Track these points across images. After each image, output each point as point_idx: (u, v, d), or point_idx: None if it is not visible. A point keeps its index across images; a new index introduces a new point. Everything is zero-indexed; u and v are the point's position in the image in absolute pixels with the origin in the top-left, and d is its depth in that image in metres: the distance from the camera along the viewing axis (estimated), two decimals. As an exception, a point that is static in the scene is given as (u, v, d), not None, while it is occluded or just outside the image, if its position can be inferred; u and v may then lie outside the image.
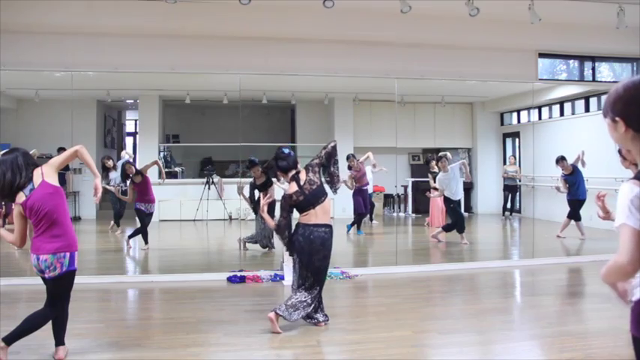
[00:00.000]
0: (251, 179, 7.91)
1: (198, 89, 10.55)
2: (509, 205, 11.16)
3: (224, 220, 10.52)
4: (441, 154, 9.01)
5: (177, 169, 11.95)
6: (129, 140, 13.70)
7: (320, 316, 4.63)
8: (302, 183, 4.53)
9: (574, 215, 8.93)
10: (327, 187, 4.76)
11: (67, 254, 3.59)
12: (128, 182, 8.11)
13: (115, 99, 11.42)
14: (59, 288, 3.65)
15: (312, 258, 4.49)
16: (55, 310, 3.66)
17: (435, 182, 9.31)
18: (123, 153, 10.56)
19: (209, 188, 10.37)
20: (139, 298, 5.93)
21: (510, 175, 10.81)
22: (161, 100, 11.74)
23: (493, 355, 4.08)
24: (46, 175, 3.59)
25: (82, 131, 9.01)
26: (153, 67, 6.95)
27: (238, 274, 6.45)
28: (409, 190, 11.79)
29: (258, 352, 4.06)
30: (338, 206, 10.71)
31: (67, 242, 3.60)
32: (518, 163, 11.35)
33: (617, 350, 4.02)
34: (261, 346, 4.17)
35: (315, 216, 4.54)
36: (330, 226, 4.60)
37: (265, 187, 7.66)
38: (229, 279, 6.36)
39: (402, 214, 11.97)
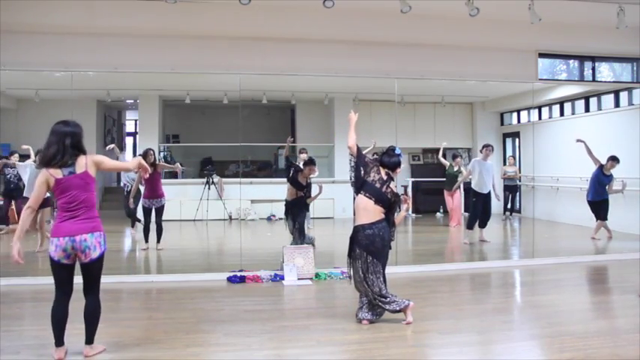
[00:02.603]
0: (296, 171, 7.56)
1: (198, 89, 10.55)
2: (509, 206, 11.15)
3: (224, 220, 10.53)
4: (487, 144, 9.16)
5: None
6: (129, 140, 13.70)
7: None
8: (376, 177, 4.69)
9: (603, 215, 8.86)
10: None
11: (103, 234, 3.73)
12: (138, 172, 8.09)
13: (115, 99, 11.43)
14: (98, 270, 3.74)
15: (385, 250, 4.68)
16: (98, 295, 3.77)
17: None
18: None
19: (209, 188, 10.37)
20: (139, 298, 5.93)
21: (509, 176, 10.80)
22: (161, 100, 11.74)
23: (493, 355, 4.08)
24: (89, 166, 3.69)
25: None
26: (153, 67, 6.94)
27: (238, 274, 6.46)
28: (409, 190, 11.80)
29: (258, 352, 4.06)
30: (338, 206, 10.74)
31: (99, 224, 3.74)
32: (518, 163, 11.36)
33: (617, 350, 4.02)
34: (261, 346, 4.17)
35: (361, 212, 4.67)
36: (373, 223, 4.64)
37: (302, 187, 7.51)
38: (229, 279, 6.37)
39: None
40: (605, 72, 8.80)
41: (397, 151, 4.83)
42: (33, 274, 6.79)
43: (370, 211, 4.64)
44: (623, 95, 9.56)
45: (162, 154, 11.76)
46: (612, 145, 8.99)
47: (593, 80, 8.42)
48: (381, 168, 4.76)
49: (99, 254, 3.69)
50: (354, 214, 4.81)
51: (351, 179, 5.06)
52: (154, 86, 10.31)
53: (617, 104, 9.72)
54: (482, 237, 8.89)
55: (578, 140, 8.70)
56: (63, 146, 3.63)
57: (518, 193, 11.30)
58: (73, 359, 3.78)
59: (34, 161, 7.71)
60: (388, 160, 4.79)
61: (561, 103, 10.88)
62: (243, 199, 10.15)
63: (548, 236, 9.18)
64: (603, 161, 8.73)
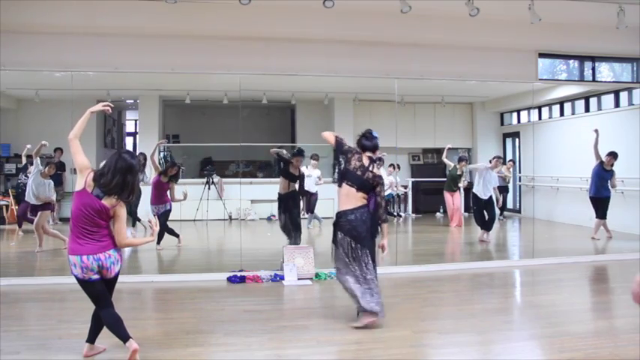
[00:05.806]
0: (286, 163, 7.67)
1: (198, 89, 10.54)
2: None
3: (224, 220, 10.52)
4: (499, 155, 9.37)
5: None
6: (129, 140, 13.68)
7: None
8: (357, 164, 4.71)
9: (602, 213, 8.87)
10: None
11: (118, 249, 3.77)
12: (154, 176, 8.24)
13: (115, 99, 11.39)
14: (115, 281, 3.77)
15: (368, 235, 4.69)
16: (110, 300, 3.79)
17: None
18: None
19: (209, 188, 10.37)
20: (139, 298, 5.93)
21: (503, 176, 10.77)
22: (161, 100, 11.73)
23: (493, 355, 4.08)
24: (111, 208, 3.65)
25: (83, 131, 9.00)
26: (153, 67, 6.93)
27: (238, 274, 6.46)
28: (409, 190, 11.81)
29: (258, 352, 4.07)
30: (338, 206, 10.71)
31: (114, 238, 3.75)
32: (518, 163, 11.37)
33: (617, 350, 4.02)
34: (261, 346, 4.17)
35: (344, 198, 4.76)
36: (356, 209, 4.70)
37: (294, 179, 7.60)
38: (229, 279, 6.36)
39: (402, 214, 11.98)
40: (605, 72, 8.79)
41: (374, 134, 4.87)
42: (33, 274, 6.80)
43: (352, 197, 4.71)
44: (623, 95, 9.56)
45: (162, 154, 11.75)
46: (612, 146, 8.98)
47: (593, 80, 8.41)
48: (363, 155, 4.76)
49: (120, 266, 3.75)
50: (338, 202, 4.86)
51: (334, 180, 5.12)
52: (154, 86, 10.30)
53: (617, 104, 9.72)
54: (482, 237, 8.90)
55: (595, 130, 8.72)
56: (123, 181, 3.60)
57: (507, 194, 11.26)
58: (73, 358, 3.78)
59: (41, 168, 7.83)
60: (369, 143, 4.82)
61: (561, 103, 10.88)
62: (243, 199, 10.15)
63: (548, 236, 9.17)
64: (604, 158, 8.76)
